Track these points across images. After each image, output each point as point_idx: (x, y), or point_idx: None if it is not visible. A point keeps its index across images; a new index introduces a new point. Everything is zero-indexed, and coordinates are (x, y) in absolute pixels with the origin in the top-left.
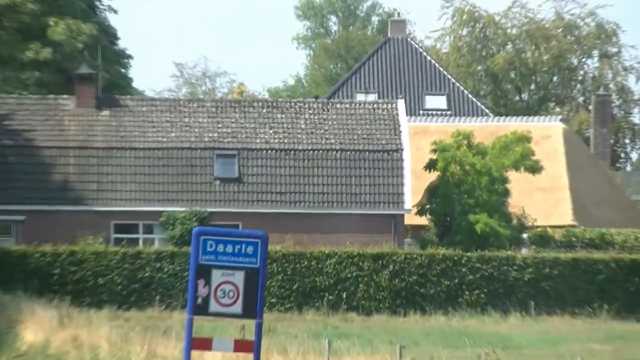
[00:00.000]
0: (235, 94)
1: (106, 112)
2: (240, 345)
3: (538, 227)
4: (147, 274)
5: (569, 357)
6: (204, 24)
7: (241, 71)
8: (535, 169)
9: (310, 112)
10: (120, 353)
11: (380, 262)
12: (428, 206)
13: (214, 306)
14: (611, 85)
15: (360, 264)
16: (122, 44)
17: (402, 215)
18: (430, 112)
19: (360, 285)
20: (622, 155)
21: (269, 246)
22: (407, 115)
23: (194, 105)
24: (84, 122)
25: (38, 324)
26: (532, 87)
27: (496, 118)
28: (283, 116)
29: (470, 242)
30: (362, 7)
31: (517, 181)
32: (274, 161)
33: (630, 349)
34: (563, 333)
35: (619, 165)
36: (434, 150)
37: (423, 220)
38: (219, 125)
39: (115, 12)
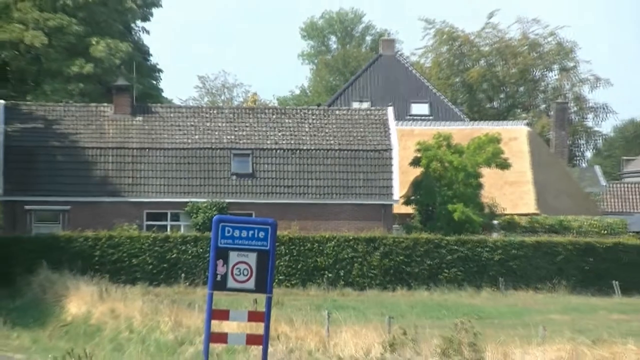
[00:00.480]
0: (250, 102)
1: (139, 118)
2: (253, 316)
3: (506, 215)
4: (174, 256)
5: (533, 326)
6: (224, 43)
7: (255, 82)
8: (504, 165)
9: (313, 117)
10: (150, 323)
11: (372, 245)
12: (413, 197)
13: (231, 282)
14: (569, 95)
15: (355, 246)
16: (153, 59)
17: (391, 205)
18: (415, 118)
19: (355, 265)
20: (578, 154)
21: (278, 231)
22: (395, 120)
23: (214, 112)
24: (120, 126)
25: (81, 298)
26: (502, 96)
27: (471, 122)
28: (290, 121)
29: (448, 227)
30: (358, 29)
31: (489, 176)
32: (282, 159)
33: (584, 319)
34: (527, 305)
35: (575, 162)
36: (418, 150)
37: (409, 209)
38: (236, 129)
39: (148, 32)
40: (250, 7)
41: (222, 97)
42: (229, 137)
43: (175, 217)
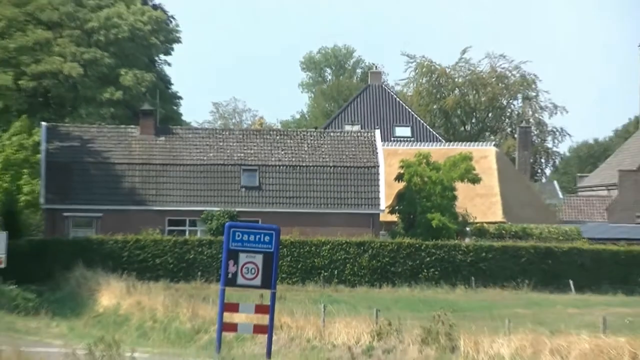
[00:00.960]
0: (257, 125)
1: (162, 138)
2: (259, 309)
3: (477, 223)
4: (191, 256)
5: (500, 319)
6: (235, 74)
7: (261, 108)
8: (475, 180)
9: (311, 138)
10: (171, 314)
11: (362, 248)
12: (397, 207)
13: (240, 280)
14: (531, 120)
15: (347, 249)
16: (174, 88)
17: (378, 214)
18: (398, 139)
19: (347, 265)
20: (539, 171)
21: (281, 236)
22: (381, 141)
23: (226, 133)
24: (145, 145)
25: (111, 292)
26: (473, 120)
27: (447, 143)
28: (291, 141)
29: (427, 233)
30: (349, 62)
31: (462, 189)
32: (285, 174)
33: (544, 312)
34: (495, 301)
35: (536, 178)
36: (401, 167)
37: (393, 218)
38: (245, 148)
39: (169, 64)
40: (258, 45)
41: (233, 120)
42: (238, 154)
43: (193, 223)
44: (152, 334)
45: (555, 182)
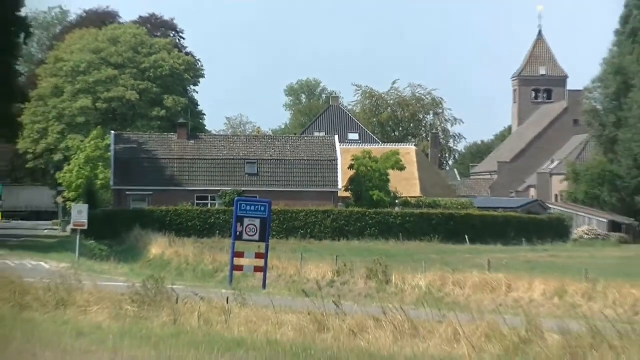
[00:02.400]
0: (256, 132)
1: (192, 141)
2: (257, 255)
3: (403, 197)
4: (212, 221)
5: (418, 262)
6: (242, 97)
7: (259, 120)
8: (401, 168)
9: (292, 141)
10: (198, 259)
11: (326, 214)
12: (349, 187)
13: (245, 236)
14: (439, 128)
15: (316, 215)
16: (200, 107)
17: (337, 192)
18: (350, 142)
19: (316, 226)
20: (444, 162)
21: (272, 207)
22: (339, 143)
23: (235, 138)
24: (180, 146)
25: (158, 245)
26: (400, 129)
27: (383, 144)
28: (279, 143)
29: (370, 205)
30: (318, 90)
31: (393, 175)
32: (275, 165)
33: (448, 257)
34: (416, 250)
35: (442, 167)
36: (352, 160)
37: (347, 194)
38: (248, 148)
39: (197, 92)
40: (258, 79)
41: (240, 129)
42: (243, 152)
43: (213, 199)
44: (186, 273)
45: (455, 170)
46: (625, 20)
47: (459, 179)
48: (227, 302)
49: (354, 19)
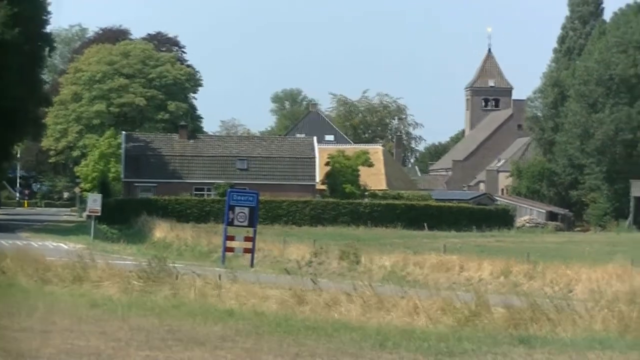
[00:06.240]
0: (246, 133)
1: (192, 141)
2: (247, 239)
3: (372, 190)
4: (208, 208)
5: (384, 245)
6: (235, 103)
7: (248, 123)
8: (370, 165)
9: (277, 141)
10: (196, 241)
11: (305, 204)
12: (325, 181)
13: (236, 222)
14: (402, 131)
15: (297, 205)
16: (198, 112)
17: (314, 185)
18: (327, 142)
19: (297, 214)
20: (407, 160)
21: (259, 197)
22: (317, 143)
23: (228, 138)
24: (182, 145)
25: (161, 229)
26: (370, 131)
27: (354, 144)
28: (265, 143)
29: (343, 196)
30: (299, 98)
31: (363, 171)
32: (262, 162)
33: (410, 242)
34: (382, 235)
35: (405, 164)
36: (328, 158)
37: (323, 187)
38: (239, 147)
39: (196, 98)
40: (249, 86)
41: (233, 130)
42: (236, 150)
43: (209, 190)
44: (185, 253)
45: (416, 167)
46: (562, 40)
47: (419, 175)
48: (220, 279)
49: (333, 34)
